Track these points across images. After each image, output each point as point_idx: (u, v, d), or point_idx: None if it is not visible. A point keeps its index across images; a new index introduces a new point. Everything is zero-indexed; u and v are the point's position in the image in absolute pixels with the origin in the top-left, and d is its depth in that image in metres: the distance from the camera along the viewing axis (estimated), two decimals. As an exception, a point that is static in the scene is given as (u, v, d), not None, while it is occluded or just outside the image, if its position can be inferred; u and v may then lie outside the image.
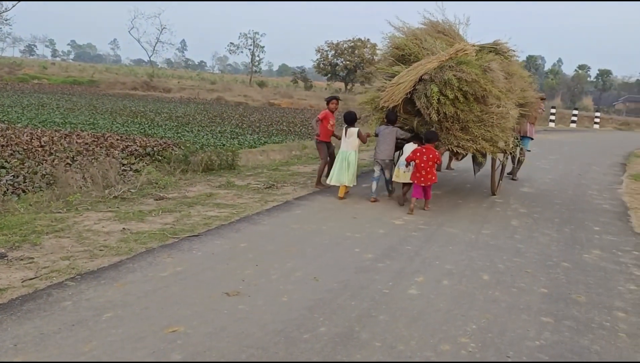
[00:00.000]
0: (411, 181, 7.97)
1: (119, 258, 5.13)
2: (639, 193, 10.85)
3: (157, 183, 8.50)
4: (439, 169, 10.07)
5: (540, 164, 14.18)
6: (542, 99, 11.61)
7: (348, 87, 62.24)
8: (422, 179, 7.77)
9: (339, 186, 8.48)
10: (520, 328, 4.16)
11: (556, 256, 6.17)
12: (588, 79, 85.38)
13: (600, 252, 6.45)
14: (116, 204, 7.18)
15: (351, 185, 8.47)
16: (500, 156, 9.16)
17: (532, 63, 73.88)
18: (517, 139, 9.88)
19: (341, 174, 8.34)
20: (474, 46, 8.71)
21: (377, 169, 8.56)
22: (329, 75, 62.76)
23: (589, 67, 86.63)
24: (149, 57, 68.45)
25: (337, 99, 9.58)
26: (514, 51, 9.40)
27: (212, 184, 8.93)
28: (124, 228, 6.10)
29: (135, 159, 10.60)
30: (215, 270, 5.01)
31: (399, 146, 8.55)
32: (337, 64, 61.34)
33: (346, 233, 6.52)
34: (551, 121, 32.40)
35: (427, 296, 4.66)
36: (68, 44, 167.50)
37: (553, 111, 33.46)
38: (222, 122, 20.83)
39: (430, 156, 7.70)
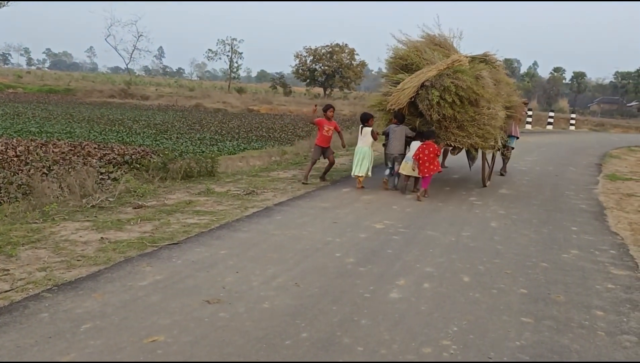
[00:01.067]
0: (416, 176, 9.27)
1: (97, 268, 5.07)
2: (615, 192, 11.01)
3: (135, 192, 8.41)
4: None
5: (518, 166, 14.32)
6: (524, 103, 12.75)
7: (327, 92, 62.39)
8: (426, 170, 9.04)
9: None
10: (501, 329, 4.19)
11: (535, 256, 6.23)
12: (563, 81, 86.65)
13: (578, 252, 6.53)
14: (94, 214, 7.09)
15: (369, 175, 9.83)
16: (490, 151, 10.44)
17: (508, 66, 74.68)
18: (504, 137, 11.03)
19: (359, 167, 9.72)
20: (467, 56, 9.93)
21: (389, 163, 9.89)
22: (308, 80, 62.91)
23: (564, 70, 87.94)
24: (126, 65, 68.01)
25: (333, 108, 10.92)
26: (500, 61, 10.96)
27: (192, 192, 8.87)
28: (102, 238, 6.03)
29: (114, 167, 10.47)
30: (195, 278, 4.97)
31: (406, 143, 9.70)
32: (315, 70, 61.51)
33: (327, 237, 6.51)
34: (528, 123, 32.76)
35: (408, 300, 4.67)
36: (43, 53, 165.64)
37: (530, 113, 33.84)
38: (201, 129, 20.72)
39: (431, 149, 8.99)
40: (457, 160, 13.21)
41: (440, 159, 10.89)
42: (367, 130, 9.76)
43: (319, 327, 4.04)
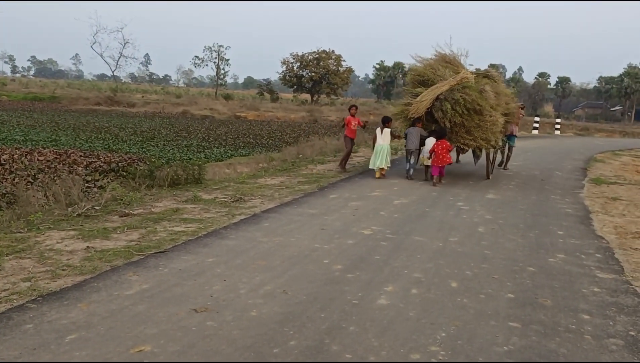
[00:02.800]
0: (432, 165, 11.38)
1: (82, 278, 5.02)
2: (600, 196, 11.11)
3: (122, 200, 8.35)
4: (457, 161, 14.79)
5: (505, 171, 14.41)
6: (521, 108, 15.26)
7: (314, 98, 62.48)
8: (439, 161, 11.21)
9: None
10: (489, 334, 4.19)
11: (522, 261, 6.26)
12: (548, 86, 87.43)
13: (564, 256, 6.57)
14: (80, 222, 7.03)
15: (388, 166, 12.00)
16: (492, 150, 12.73)
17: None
18: (504, 138, 13.41)
19: (379, 161, 11.81)
20: (472, 73, 12.10)
21: (408, 156, 12.01)
22: (295, 87, 62.99)
23: (548, 75, 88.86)
24: (112, 72, 67.51)
25: (356, 106, 13.63)
26: (499, 76, 13.14)
27: (179, 199, 8.83)
28: (87, 247, 5.98)
29: (100, 175, 10.41)
30: (182, 286, 4.93)
31: (421, 141, 11.80)
32: (302, 76, 61.58)
33: (315, 244, 6.50)
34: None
35: (396, 306, 4.67)
36: (28, 60, 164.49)
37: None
38: (188, 136, 20.64)
39: (444, 146, 11.16)
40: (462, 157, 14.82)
41: (454, 155, 13.46)
42: (387, 131, 11.94)
43: (307, 335, 4.02)
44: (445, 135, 11.25)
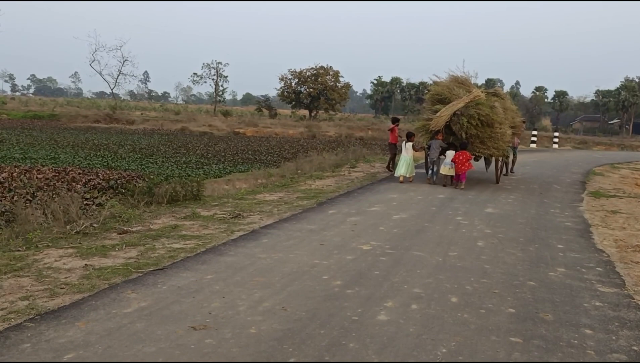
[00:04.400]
0: (452, 174, 13.21)
1: (80, 296, 4.99)
2: (599, 210, 11.09)
3: (120, 217, 8.33)
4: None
5: (503, 185, 14.41)
6: (523, 122, 17.83)
7: (312, 114, 62.64)
8: (462, 168, 13.01)
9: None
10: (490, 350, 4.16)
11: (522, 275, 6.24)
12: (545, 100, 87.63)
13: (565, 270, 6.55)
14: (78, 240, 7.01)
15: (412, 175, 13.95)
16: (500, 158, 14.67)
17: (490, 86, 75.54)
18: (510, 148, 15.57)
19: (403, 169, 13.73)
20: (483, 91, 13.91)
21: (430, 164, 13.78)
22: (293, 103, 63.13)
23: (545, 89, 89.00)
24: (111, 90, 67.71)
25: (399, 120, 16.84)
26: (505, 94, 15.55)
27: (177, 216, 8.81)
28: (86, 264, 5.95)
29: (98, 192, 10.39)
30: (181, 303, 4.90)
31: (441, 152, 13.47)
32: (300, 92, 61.75)
33: (314, 260, 6.47)
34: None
35: (396, 322, 4.64)
36: (28, 78, 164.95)
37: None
38: (187, 153, 20.66)
39: (465, 156, 12.97)
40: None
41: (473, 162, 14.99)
42: (409, 144, 13.77)
43: (307, 352, 3.99)
44: (466, 147, 13.04)
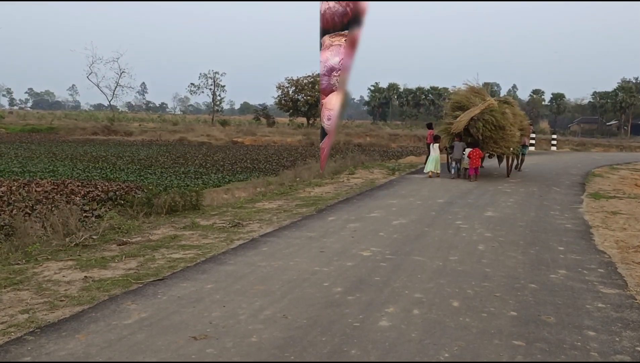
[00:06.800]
0: (469, 167, 15.72)
1: (80, 308, 4.97)
2: (599, 211, 11.08)
3: (119, 228, 8.31)
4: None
5: (503, 188, 14.40)
6: (530, 125, 20.54)
7: (310, 121, 62.66)
8: (473, 164, 15.61)
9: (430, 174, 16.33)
10: (493, 354, 4.14)
11: (524, 278, 6.22)
12: (543, 103, 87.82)
13: (566, 272, 6.53)
14: (77, 252, 6.99)
15: (438, 171, 16.32)
16: (511, 156, 17.22)
17: (488, 90, 75.70)
18: (519, 147, 17.67)
19: (431, 166, 16.26)
20: (496, 100, 16.14)
21: (454, 163, 16.18)
22: (291, 111, 63.14)
23: (543, 92, 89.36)
24: (109, 102, 67.83)
25: (432, 126, 19.19)
26: (515, 101, 17.94)
27: (177, 226, 8.79)
28: (85, 276, 5.93)
29: (97, 204, 10.39)
30: (181, 313, 4.88)
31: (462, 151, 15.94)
32: (298, 100, 61.79)
33: (314, 267, 6.46)
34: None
35: (398, 327, 4.62)
36: (26, 92, 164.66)
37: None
38: (186, 163, 20.67)
39: (477, 153, 15.54)
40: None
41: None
42: (436, 145, 16.42)
43: (309, 359, 3.97)
44: (478, 145, 15.61)
